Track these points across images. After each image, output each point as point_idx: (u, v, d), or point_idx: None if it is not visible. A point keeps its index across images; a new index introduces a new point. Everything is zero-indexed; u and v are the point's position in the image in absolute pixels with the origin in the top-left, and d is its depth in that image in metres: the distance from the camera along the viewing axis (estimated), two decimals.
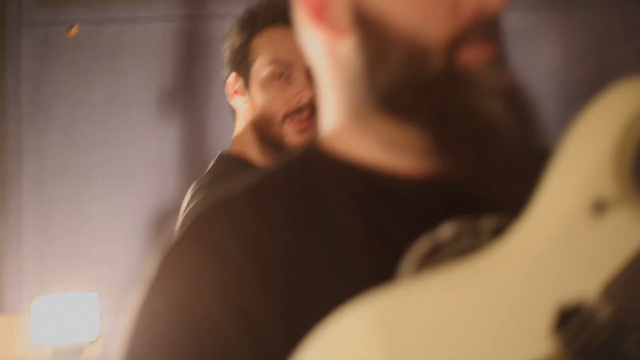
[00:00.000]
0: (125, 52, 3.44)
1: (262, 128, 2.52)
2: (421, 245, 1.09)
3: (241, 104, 2.54)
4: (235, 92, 2.55)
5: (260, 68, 2.46)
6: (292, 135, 2.49)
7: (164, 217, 3.39)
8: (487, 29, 1.11)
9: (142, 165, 3.42)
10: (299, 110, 2.38)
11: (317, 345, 1.03)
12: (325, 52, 1.17)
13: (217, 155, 2.66)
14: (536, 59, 2.87)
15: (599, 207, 0.99)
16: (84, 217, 3.42)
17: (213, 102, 3.33)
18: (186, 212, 2.38)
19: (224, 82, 2.55)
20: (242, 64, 2.53)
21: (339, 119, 1.18)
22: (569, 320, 0.97)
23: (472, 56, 1.10)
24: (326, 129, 1.20)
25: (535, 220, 1.03)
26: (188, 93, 3.40)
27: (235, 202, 1.14)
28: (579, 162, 1.02)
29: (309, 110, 2.37)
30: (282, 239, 1.09)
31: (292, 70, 2.37)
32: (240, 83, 2.53)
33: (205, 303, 1.06)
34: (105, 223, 3.43)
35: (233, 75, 2.53)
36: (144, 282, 1.08)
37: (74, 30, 3.33)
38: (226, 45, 2.56)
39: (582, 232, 0.99)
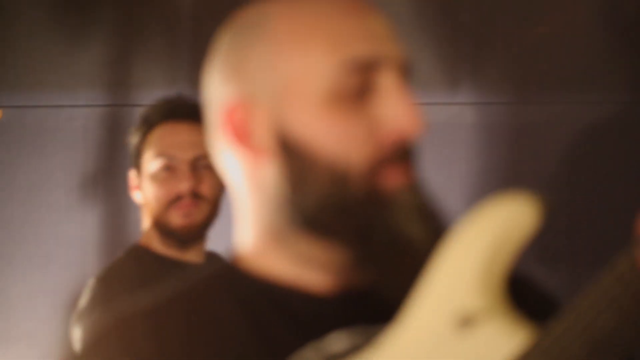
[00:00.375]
0: (48, 137, 3.47)
1: (155, 218, 2.66)
2: (308, 355, 1.18)
3: (140, 198, 2.70)
4: (135, 187, 2.71)
5: (148, 162, 2.60)
6: (176, 219, 2.62)
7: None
8: (405, 153, 1.21)
9: (62, 247, 3.43)
10: (179, 198, 2.53)
11: None
12: (245, 174, 1.24)
13: (131, 245, 2.79)
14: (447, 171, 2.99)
15: (465, 322, 1.09)
16: (4, 297, 3.42)
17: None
18: (84, 326, 2.50)
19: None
20: (137, 160, 2.68)
21: (253, 237, 1.26)
22: None
23: (392, 179, 1.19)
24: (239, 246, 1.29)
25: (405, 331, 1.12)
26: (110, 178, 3.44)
27: (134, 323, 1.22)
28: (448, 277, 1.10)
29: (191, 197, 2.53)
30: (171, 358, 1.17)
31: (176, 163, 2.53)
32: (138, 178, 2.69)
33: None
34: (26, 302, 3.42)
35: (133, 171, 2.69)
36: None
37: None
38: (129, 143, 2.71)
39: (449, 345, 1.09)
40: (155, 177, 2.63)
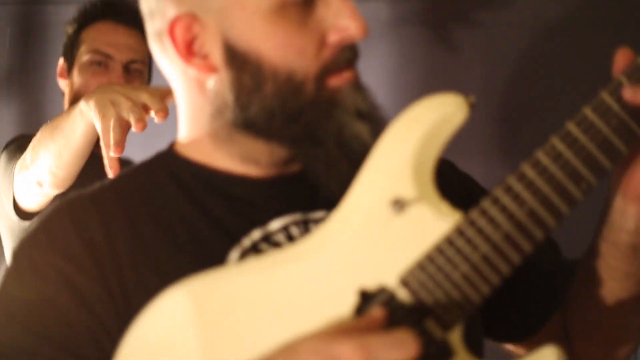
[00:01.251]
0: None
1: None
2: (252, 235, 1.25)
3: (64, 86, 2.72)
4: (61, 75, 2.73)
5: (82, 54, 2.63)
6: None
7: None
8: (348, 55, 1.28)
9: None
10: None
11: (139, 327, 1.18)
12: (189, 83, 1.31)
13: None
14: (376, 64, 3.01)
15: (398, 205, 1.17)
16: None
17: (49, 85, 3.35)
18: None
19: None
20: (70, 50, 2.70)
21: (196, 133, 1.33)
22: (370, 302, 1.14)
23: (338, 81, 1.26)
24: (181, 139, 1.35)
25: (344, 214, 1.21)
26: (24, 74, 3.41)
27: (80, 204, 1.30)
28: (383, 166, 1.20)
29: None
30: (116, 238, 1.25)
31: (111, 62, 2.54)
32: (65, 67, 2.71)
33: (50, 289, 1.23)
34: None
35: (61, 59, 2.70)
36: (5, 268, 1.23)
37: None
38: (67, 30, 2.72)
39: (382, 226, 1.18)
40: (86, 69, 2.66)
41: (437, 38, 3.09)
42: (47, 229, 1.27)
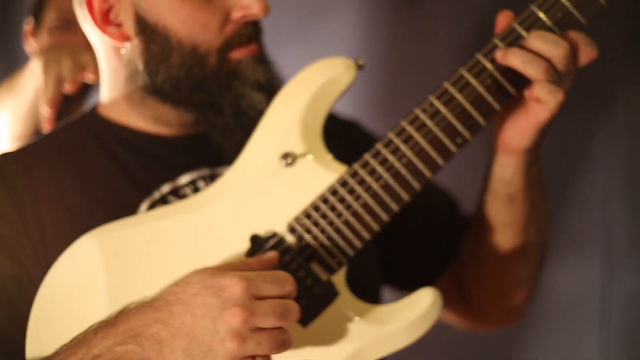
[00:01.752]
0: None
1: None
2: (162, 188, 1.35)
3: (33, 47, 2.78)
4: (29, 34, 2.79)
5: (50, 15, 2.68)
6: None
7: None
8: (250, 30, 1.38)
9: None
10: None
11: (53, 274, 1.28)
12: (107, 48, 1.42)
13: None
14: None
15: (288, 159, 1.26)
16: None
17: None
18: None
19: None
20: (37, 10, 2.76)
21: (113, 95, 1.44)
22: (261, 246, 1.24)
23: (239, 54, 1.36)
24: (102, 99, 1.45)
25: (239, 167, 1.33)
26: (1, 35, 3.46)
27: (10, 159, 1.41)
28: (275, 124, 1.31)
29: None
30: (39, 191, 1.36)
31: (77, 23, 2.61)
32: (33, 28, 2.77)
33: None
34: None
35: (30, 20, 2.76)
36: None
37: None
38: None
39: (273, 178, 1.29)
40: (54, 30, 2.72)
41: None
42: None
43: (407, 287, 1.55)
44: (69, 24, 2.65)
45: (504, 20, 1.30)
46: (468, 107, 1.25)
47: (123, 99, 1.42)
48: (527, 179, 1.36)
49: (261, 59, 1.39)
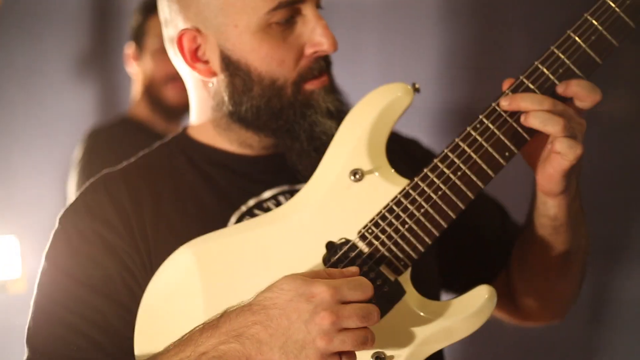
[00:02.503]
0: (44, 20, 3.64)
1: (148, 90, 2.91)
2: (248, 202, 1.54)
3: (135, 71, 2.96)
4: (131, 59, 2.97)
5: (151, 40, 2.84)
6: (171, 95, 2.91)
7: None
8: (322, 64, 1.57)
9: (61, 121, 3.64)
10: (177, 77, 2.61)
11: (156, 280, 1.49)
12: (196, 80, 1.62)
13: (121, 113, 3.06)
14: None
15: (356, 175, 1.44)
16: (8, 168, 3.63)
17: (124, 65, 3.59)
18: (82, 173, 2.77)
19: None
20: (140, 35, 2.93)
21: (202, 120, 1.64)
22: (335, 251, 1.42)
23: (312, 86, 1.56)
24: (192, 123, 1.63)
25: (314, 183, 1.52)
26: (102, 58, 3.65)
27: (112, 180, 1.61)
28: (344, 144, 1.50)
29: None
30: (141, 204, 1.55)
31: None
32: (135, 52, 2.95)
33: (92, 249, 1.55)
34: (28, 174, 3.65)
35: (131, 45, 2.94)
36: (52, 234, 1.53)
37: None
38: (133, 18, 2.95)
39: (344, 192, 1.48)
40: (156, 54, 2.90)
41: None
42: (86, 201, 1.56)
43: (462, 291, 1.72)
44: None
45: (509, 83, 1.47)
46: (514, 124, 1.42)
47: (211, 124, 1.60)
48: (569, 213, 1.51)
49: (331, 88, 1.57)
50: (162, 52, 2.77)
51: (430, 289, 1.52)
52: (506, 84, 1.45)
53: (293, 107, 1.53)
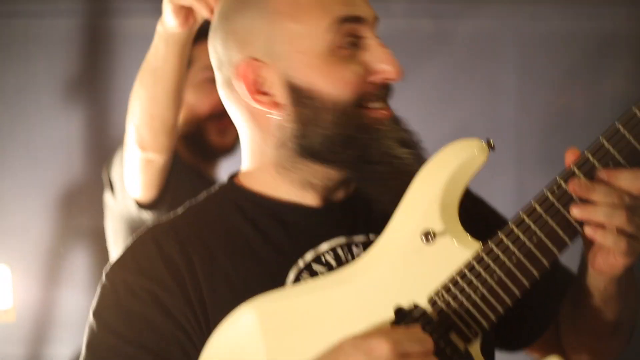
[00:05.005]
0: (33, 43, 3.61)
1: (189, 127, 2.81)
2: (306, 257, 1.50)
3: None
4: None
5: (196, 72, 2.75)
6: (213, 134, 2.81)
7: (70, 194, 3.60)
8: (384, 91, 1.54)
9: (50, 146, 3.59)
10: (221, 114, 2.37)
11: (216, 340, 1.45)
12: (254, 121, 1.56)
13: None
14: None
15: (428, 236, 1.41)
16: None
17: (115, 92, 3.56)
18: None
19: None
20: None
21: (258, 164, 1.58)
22: (404, 318, 1.39)
23: (378, 114, 1.52)
24: (243, 169, 1.59)
25: (384, 243, 1.47)
26: (92, 82, 3.62)
27: (162, 230, 1.57)
28: (416, 202, 1.46)
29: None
30: (192, 259, 1.50)
31: None
32: None
33: (142, 307, 1.50)
34: (16, 200, 3.59)
35: None
36: (98, 289, 1.49)
37: None
38: None
39: (415, 254, 1.44)
40: (203, 87, 2.76)
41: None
42: (135, 255, 1.52)
43: (509, 347, 1.72)
44: (213, 82, 2.68)
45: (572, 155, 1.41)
46: (542, 237, 1.39)
47: (271, 166, 1.55)
48: (620, 288, 1.47)
49: (395, 119, 1.54)
50: (206, 84, 2.70)
51: (489, 353, 1.50)
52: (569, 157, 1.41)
53: (363, 131, 1.49)
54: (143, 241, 1.54)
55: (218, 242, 1.52)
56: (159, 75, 2.19)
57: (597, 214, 1.35)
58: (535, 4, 3.39)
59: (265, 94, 1.51)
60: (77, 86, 3.63)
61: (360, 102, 1.49)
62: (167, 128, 2.27)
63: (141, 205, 2.46)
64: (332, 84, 1.47)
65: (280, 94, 1.50)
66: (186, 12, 1.99)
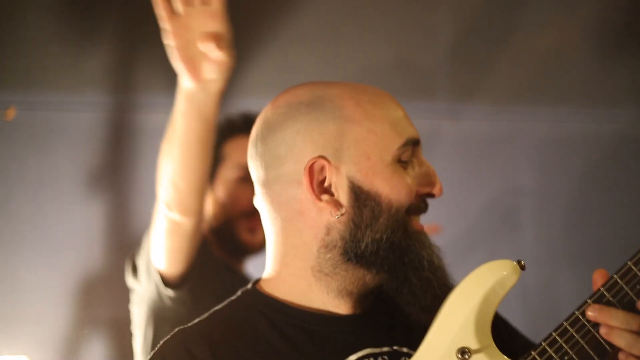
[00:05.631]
0: (56, 135, 3.65)
1: (219, 223, 2.81)
2: None
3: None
4: None
5: (227, 169, 2.77)
6: (243, 231, 2.82)
7: (89, 285, 3.61)
8: (424, 205, 1.61)
9: (70, 237, 3.61)
10: (252, 212, 2.42)
11: None
12: (303, 220, 1.58)
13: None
14: None
15: (463, 353, 1.43)
16: (14, 283, 3.58)
17: (136, 184, 3.60)
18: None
19: None
20: (213, 164, 2.84)
21: (288, 269, 1.60)
22: None
23: (419, 227, 1.59)
24: (266, 275, 1.61)
25: (421, 358, 1.46)
26: (113, 175, 3.65)
27: (190, 334, 1.57)
28: (452, 319, 1.48)
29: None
30: None
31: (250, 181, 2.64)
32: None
33: None
34: (35, 290, 3.59)
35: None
36: None
37: (11, 113, 3.48)
38: None
39: None
40: (233, 185, 2.81)
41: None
42: (162, 357, 1.53)
43: None
44: (245, 180, 2.62)
45: (601, 276, 1.49)
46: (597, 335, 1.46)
47: (310, 270, 1.57)
48: None
49: (427, 234, 1.61)
50: (237, 183, 2.73)
51: None
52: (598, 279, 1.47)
53: (410, 238, 1.56)
54: (171, 345, 1.55)
55: (247, 348, 1.54)
56: (179, 137, 2.20)
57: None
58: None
59: (329, 192, 1.56)
60: (99, 178, 3.66)
61: (409, 211, 1.57)
62: (193, 189, 2.25)
63: (165, 282, 2.42)
64: (393, 189, 1.55)
65: (343, 195, 1.56)
66: (194, 63, 2.02)
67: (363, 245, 1.54)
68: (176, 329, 1.58)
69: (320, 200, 1.55)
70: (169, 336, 1.56)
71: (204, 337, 1.54)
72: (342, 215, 1.55)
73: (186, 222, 2.28)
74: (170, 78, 3.57)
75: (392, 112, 1.61)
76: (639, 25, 3.56)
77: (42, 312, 3.61)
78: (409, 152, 1.59)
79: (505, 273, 1.48)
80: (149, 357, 1.56)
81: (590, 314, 1.44)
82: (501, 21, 3.60)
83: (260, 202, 1.62)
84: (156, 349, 1.55)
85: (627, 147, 3.48)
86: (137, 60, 3.72)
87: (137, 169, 3.62)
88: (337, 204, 1.55)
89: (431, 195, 1.60)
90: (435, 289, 1.54)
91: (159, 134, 3.33)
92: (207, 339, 1.54)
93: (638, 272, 1.42)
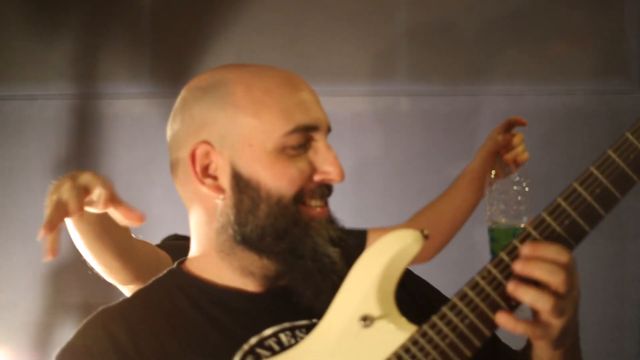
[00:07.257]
0: (25, 126, 3.71)
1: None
2: (250, 341, 1.59)
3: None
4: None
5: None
6: None
7: (60, 271, 3.66)
8: (324, 191, 1.63)
9: (40, 224, 3.57)
10: None
11: None
12: (200, 204, 1.63)
13: None
14: None
15: (366, 321, 1.49)
16: None
17: (102, 170, 3.61)
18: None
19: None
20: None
21: (204, 249, 1.66)
22: None
23: (314, 212, 1.61)
24: (191, 255, 1.67)
25: (324, 327, 1.55)
26: (81, 162, 3.69)
27: (110, 314, 1.62)
28: (355, 288, 1.54)
29: None
30: (140, 342, 1.55)
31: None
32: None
33: None
34: (8, 275, 3.66)
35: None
36: None
37: None
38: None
39: (354, 338, 1.51)
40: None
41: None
42: (84, 340, 1.57)
43: None
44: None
45: None
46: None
47: (214, 250, 1.62)
48: (566, 355, 1.53)
49: (330, 218, 1.63)
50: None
51: None
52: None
53: (297, 226, 1.57)
54: (92, 326, 1.59)
55: (166, 326, 1.58)
56: (80, 243, 2.14)
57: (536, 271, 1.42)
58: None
59: (212, 177, 1.59)
60: (67, 165, 3.69)
61: (300, 198, 1.58)
62: (120, 267, 2.18)
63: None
64: (274, 179, 1.56)
65: (225, 180, 1.58)
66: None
67: (248, 231, 1.57)
68: (100, 308, 1.62)
69: (204, 184, 1.59)
70: (91, 315, 1.60)
71: (123, 317, 1.58)
72: (222, 200, 1.58)
73: (127, 286, 2.26)
74: (129, 65, 3.67)
75: (289, 98, 1.59)
76: None
77: (13, 299, 3.66)
78: (300, 138, 1.58)
79: (408, 242, 1.51)
80: (72, 335, 1.59)
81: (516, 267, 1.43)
82: (456, 3, 3.64)
83: (174, 182, 1.67)
84: (79, 327, 1.59)
85: (580, 120, 3.54)
86: (98, 50, 3.75)
87: (102, 155, 3.67)
88: (219, 189, 1.59)
89: (331, 181, 1.61)
90: (317, 279, 1.58)
91: (122, 120, 3.41)
92: (125, 318, 1.58)
93: (567, 207, 1.46)
